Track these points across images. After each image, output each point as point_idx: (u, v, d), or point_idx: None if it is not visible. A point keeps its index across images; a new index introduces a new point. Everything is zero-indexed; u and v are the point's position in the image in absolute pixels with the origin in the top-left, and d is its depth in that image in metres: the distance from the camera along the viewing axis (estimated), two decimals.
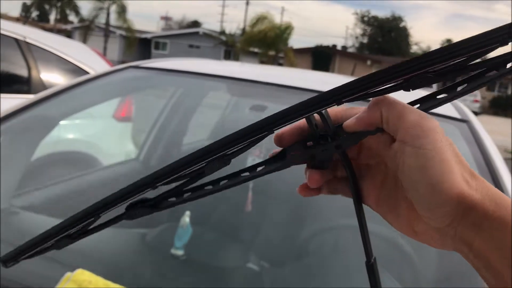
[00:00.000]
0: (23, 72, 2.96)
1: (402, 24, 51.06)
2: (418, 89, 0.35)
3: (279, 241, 1.31)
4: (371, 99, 0.37)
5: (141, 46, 29.55)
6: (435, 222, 0.35)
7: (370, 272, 0.41)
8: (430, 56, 0.32)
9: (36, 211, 1.40)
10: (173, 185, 0.43)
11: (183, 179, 0.42)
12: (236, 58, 25.31)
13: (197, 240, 1.18)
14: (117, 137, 3.13)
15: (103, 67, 3.26)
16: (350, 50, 47.39)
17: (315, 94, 0.35)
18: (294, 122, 0.37)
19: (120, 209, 0.44)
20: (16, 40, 2.96)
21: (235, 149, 0.39)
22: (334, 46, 37.57)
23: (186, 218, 1.17)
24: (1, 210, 1.23)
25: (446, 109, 1.36)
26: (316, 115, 0.39)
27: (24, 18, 35.72)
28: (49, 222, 1.30)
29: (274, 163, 0.42)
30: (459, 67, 0.34)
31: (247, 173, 0.42)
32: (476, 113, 12.40)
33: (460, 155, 0.35)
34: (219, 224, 1.37)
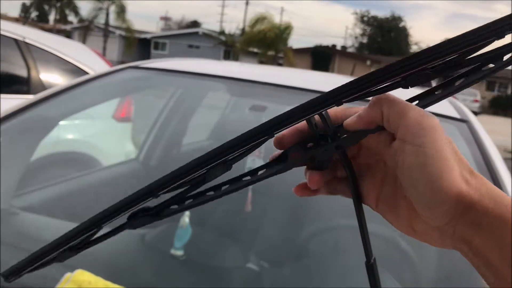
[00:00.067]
0: (23, 73, 2.96)
1: (401, 24, 51.08)
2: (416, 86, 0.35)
3: (279, 241, 1.31)
4: (370, 98, 0.37)
5: (140, 46, 29.56)
6: (434, 221, 0.35)
7: (370, 272, 0.41)
8: (427, 53, 0.32)
9: (36, 212, 1.40)
10: (175, 192, 0.43)
11: (184, 186, 0.42)
12: (235, 58, 25.31)
13: (197, 240, 1.18)
14: (117, 138, 3.13)
15: (102, 67, 3.26)
16: (350, 50, 47.41)
17: (314, 94, 0.35)
18: (294, 124, 0.37)
19: (122, 218, 0.44)
20: (16, 40, 2.96)
21: (236, 154, 0.39)
22: (334, 46, 37.60)
23: (186, 219, 1.17)
24: (1, 211, 1.22)
25: (446, 109, 1.36)
26: (315, 116, 0.39)
27: (24, 18, 35.73)
28: (49, 222, 1.30)
29: (275, 166, 0.42)
30: (456, 62, 0.34)
31: (248, 177, 0.42)
32: (475, 113, 12.40)
33: (460, 153, 0.35)
34: (219, 224, 1.37)
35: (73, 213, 1.39)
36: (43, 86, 2.93)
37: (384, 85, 0.35)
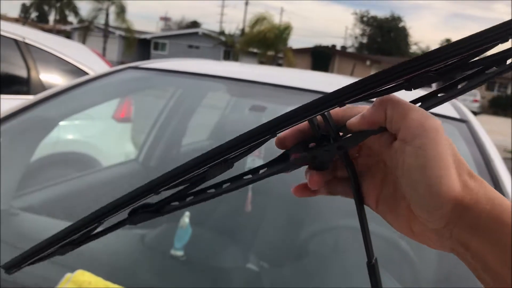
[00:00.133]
0: (23, 73, 2.96)
1: (401, 24, 51.09)
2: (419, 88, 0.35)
3: (279, 241, 1.31)
4: (374, 99, 0.37)
5: (140, 46, 29.56)
6: (432, 223, 0.35)
7: (371, 273, 0.41)
8: (431, 55, 0.32)
9: (36, 212, 1.40)
10: (176, 189, 0.43)
11: (185, 183, 0.42)
12: (235, 58, 25.31)
13: (197, 240, 1.18)
14: (117, 138, 3.13)
15: (102, 67, 3.26)
16: (350, 50, 47.41)
17: (314, 94, 0.35)
18: (296, 124, 0.37)
19: (123, 214, 0.44)
20: (16, 41, 2.96)
21: (237, 153, 0.39)
22: (334, 46, 37.63)
23: (186, 219, 1.17)
24: (1, 211, 1.23)
25: (445, 109, 1.36)
26: (317, 116, 0.39)
27: (23, 19, 35.73)
28: (49, 223, 1.30)
29: (277, 165, 0.42)
30: (460, 65, 0.34)
31: (249, 176, 0.42)
32: (475, 113, 12.41)
33: (460, 156, 0.35)
34: (219, 224, 1.37)
35: (73, 214, 1.39)
36: (43, 87, 2.93)
37: (387, 86, 0.35)
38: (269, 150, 1.39)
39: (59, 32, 26.40)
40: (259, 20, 23.15)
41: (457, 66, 0.34)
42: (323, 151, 0.40)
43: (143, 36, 31.28)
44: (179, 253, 1.11)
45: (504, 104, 29.32)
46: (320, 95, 0.35)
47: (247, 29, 26.41)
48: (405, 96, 0.37)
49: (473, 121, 1.33)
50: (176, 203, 0.44)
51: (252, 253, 1.21)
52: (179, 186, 0.42)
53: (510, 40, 0.31)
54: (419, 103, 0.39)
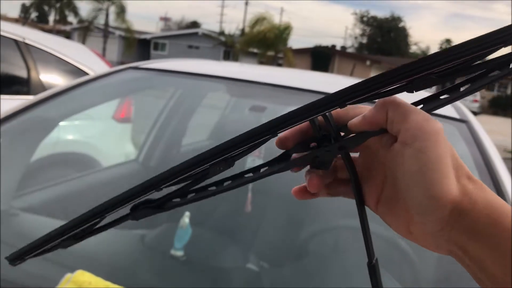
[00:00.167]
0: (23, 73, 2.96)
1: (401, 24, 51.12)
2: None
3: (279, 241, 1.31)
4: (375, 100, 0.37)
5: (140, 47, 29.56)
6: (429, 226, 0.35)
7: (372, 273, 0.41)
8: (434, 58, 0.32)
9: (36, 213, 1.40)
10: (177, 186, 0.43)
11: (187, 180, 0.42)
12: (235, 58, 25.31)
13: (197, 240, 1.18)
14: (117, 138, 3.13)
15: (102, 68, 3.26)
16: (350, 50, 47.42)
17: (314, 95, 0.35)
18: (298, 124, 0.37)
19: (125, 209, 0.45)
20: (16, 41, 2.96)
21: (238, 152, 0.39)
22: (333, 46, 37.67)
23: (186, 219, 1.17)
24: (1, 212, 1.23)
25: (445, 109, 1.36)
26: (319, 116, 0.39)
27: (23, 19, 35.70)
28: (49, 223, 1.30)
29: (278, 164, 0.42)
30: (462, 68, 0.34)
31: (250, 174, 0.43)
32: (475, 113, 12.41)
33: (459, 158, 0.35)
34: (219, 224, 1.37)
35: (73, 214, 1.39)
36: (43, 87, 2.93)
37: (389, 88, 0.35)
38: (269, 150, 1.39)
39: (59, 32, 26.41)
40: (259, 20, 23.14)
41: (459, 69, 0.34)
42: (324, 151, 0.40)
43: (143, 36, 31.29)
44: (179, 253, 1.11)
45: (504, 104, 29.33)
46: (320, 95, 0.35)
47: (247, 29, 26.41)
48: (408, 97, 0.37)
49: (473, 121, 1.33)
50: (178, 199, 0.45)
51: (252, 253, 1.21)
52: (180, 183, 0.42)
53: None
54: (421, 105, 0.39)
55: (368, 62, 27.92)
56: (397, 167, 0.36)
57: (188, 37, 31.72)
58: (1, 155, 1.29)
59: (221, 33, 33.68)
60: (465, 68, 0.34)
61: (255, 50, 24.50)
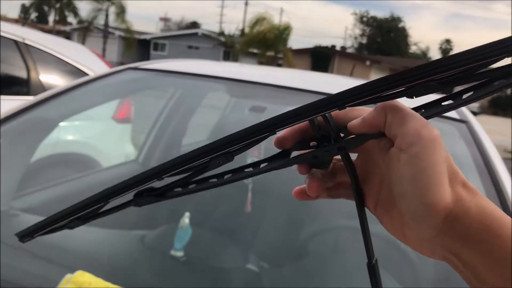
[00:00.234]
0: (22, 74, 2.96)
1: (401, 25, 51.16)
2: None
3: (279, 242, 1.32)
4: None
5: (140, 47, 29.56)
6: (423, 232, 0.35)
7: (372, 273, 0.41)
8: (435, 65, 0.32)
9: (36, 213, 1.40)
10: (179, 177, 0.45)
11: (188, 172, 0.44)
12: (235, 59, 25.32)
13: (197, 241, 1.18)
14: (117, 139, 3.13)
15: (102, 68, 3.26)
16: (349, 50, 47.47)
17: (314, 95, 0.36)
18: (297, 124, 0.37)
19: (128, 196, 0.48)
20: (15, 41, 2.96)
21: (237, 147, 0.40)
22: (333, 46, 37.72)
23: (186, 219, 1.17)
24: (1, 212, 1.23)
25: None
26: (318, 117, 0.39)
27: (23, 19, 35.73)
28: None
29: (277, 160, 0.42)
30: (464, 76, 0.34)
31: (250, 169, 0.43)
32: (475, 113, 12.42)
33: (454, 165, 0.35)
34: (219, 225, 1.37)
35: None
36: (42, 88, 2.93)
37: (389, 92, 0.35)
38: (269, 150, 1.39)
39: (58, 33, 26.42)
40: (259, 20, 23.14)
41: (461, 77, 0.34)
42: (323, 151, 0.40)
43: (142, 37, 31.29)
44: (179, 253, 1.11)
45: (504, 104, 29.35)
46: (319, 96, 0.36)
47: (247, 30, 26.42)
48: (410, 102, 0.37)
49: (473, 121, 1.33)
50: (179, 189, 0.47)
51: (252, 253, 1.21)
52: (182, 173, 0.44)
53: None
54: (422, 111, 0.39)
55: (368, 62, 27.93)
56: (393, 172, 0.36)
57: (188, 37, 31.72)
58: (1, 156, 1.29)
59: (221, 33, 33.70)
60: (467, 76, 0.34)
61: (255, 51, 24.51)
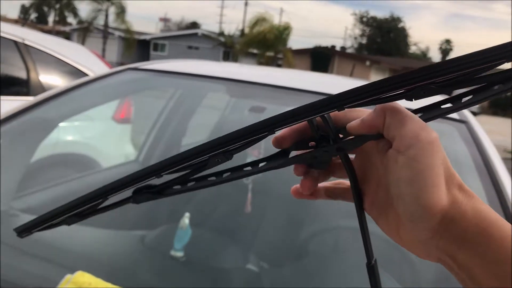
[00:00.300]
0: (22, 74, 2.96)
1: (401, 25, 51.18)
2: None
3: (279, 242, 1.32)
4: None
5: (140, 47, 29.55)
6: (419, 233, 0.35)
7: (371, 274, 0.41)
8: (436, 68, 0.32)
9: (36, 214, 1.39)
10: (178, 174, 0.45)
11: (187, 169, 0.44)
12: (235, 59, 25.32)
13: (197, 241, 1.18)
14: (116, 139, 3.13)
15: (102, 69, 3.26)
16: (349, 50, 47.48)
17: (314, 95, 0.36)
18: (296, 124, 0.37)
19: (127, 193, 0.47)
20: (15, 42, 2.96)
21: (236, 146, 0.40)
22: (333, 46, 37.73)
23: (186, 220, 1.17)
24: (1, 212, 1.23)
25: None
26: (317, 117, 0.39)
27: (23, 20, 35.73)
28: None
29: (276, 160, 0.42)
30: (464, 80, 0.34)
31: (249, 168, 0.44)
32: (475, 113, 12.42)
33: (451, 168, 0.35)
34: (219, 225, 1.38)
35: None
36: (42, 88, 2.93)
37: (389, 94, 0.35)
38: (268, 151, 1.39)
39: (58, 33, 26.43)
40: (259, 20, 23.15)
41: (461, 80, 0.34)
42: (322, 151, 0.40)
43: (142, 37, 31.28)
44: (179, 254, 1.11)
45: (504, 104, 29.36)
46: (319, 96, 0.36)
47: (246, 30, 26.43)
48: (410, 105, 0.37)
49: (473, 122, 1.33)
50: (178, 187, 0.47)
51: (252, 253, 1.21)
52: (181, 171, 0.44)
53: None
54: (421, 113, 0.39)
55: (367, 63, 27.94)
56: (390, 173, 0.36)
57: (188, 37, 31.72)
58: (1, 156, 1.29)
59: (221, 33, 33.71)
60: (467, 80, 0.34)
61: (255, 51, 24.51)
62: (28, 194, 1.51)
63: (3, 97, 2.68)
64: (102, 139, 3.06)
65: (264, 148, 1.49)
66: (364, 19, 52.17)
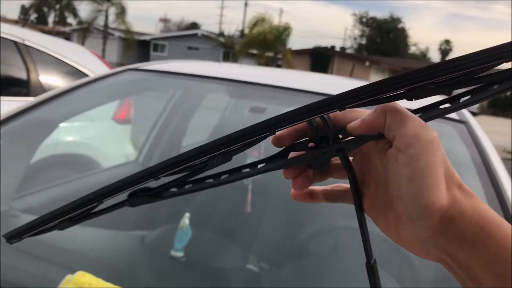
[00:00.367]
0: (22, 75, 2.96)
1: (400, 25, 51.18)
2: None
3: (279, 242, 1.32)
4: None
5: (139, 48, 29.55)
6: (418, 232, 0.35)
7: (370, 273, 0.42)
8: (436, 68, 0.32)
9: (36, 214, 1.39)
10: (175, 177, 0.44)
11: (185, 171, 0.43)
12: (235, 59, 25.32)
13: (197, 241, 1.18)
14: (117, 139, 3.13)
15: (102, 69, 3.26)
16: (349, 51, 47.47)
17: (313, 96, 0.36)
18: (296, 124, 0.38)
19: (124, 195, 0.46)
20: (15, 42, 2.96)
21: (236, 147, 0.40)
22: (333, 47, 37.67)
23: (186, 220, 1.17)
24: (1, 213, 1.23)
25: None
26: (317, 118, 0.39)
27: (23, 20, 35.73)
28: None
29: (275, 161, 0.42)
30: (463, 80, 0.35)
31: (248, 169, 0.43)
32: (474, 114, 12.43)
33: (451, 167, 0.35)
34: (219, 225, 1.38)
35: None
36: (42, 88, 2.93)
37: (389, 94, 0.35)
38: (268, 151, 1.39)
39: (58, 34, 26.44)
40: (259, 21, 23.15)
41: (460, 81, 0.35)
42: (321, 152, 0.40)
43: (142, 38, 31.28)
44: (179, 254, 1.11)
45: (503, 104, 29.37)
46: (319, 97, 0.36)
47: (246, 30, 26.43)
48: (409, 105, 0.37)
49: (472, 122, 1.33)
50: (175, 189, 0.46)
51: (252, 253, 1.21)
52: (179, 173, 0.43)
53: None
54: (420, 113, 0.39)
55: (367, 63, 27.94)
56: (390, 172, 0.36)
57: (188, 38, 31.72)
58: (1, 156, 1.29)
59: (221, 34, 33.69)
60: (466, 80, 0.35)
61: (255, 51, 24.51)
62: (28, 194, 1.51)
63: (3, 98, 2.68)
64: (102, 139, 3.06)
65: (264, 149, 1.49)
66: (364, 20, 52.17)
